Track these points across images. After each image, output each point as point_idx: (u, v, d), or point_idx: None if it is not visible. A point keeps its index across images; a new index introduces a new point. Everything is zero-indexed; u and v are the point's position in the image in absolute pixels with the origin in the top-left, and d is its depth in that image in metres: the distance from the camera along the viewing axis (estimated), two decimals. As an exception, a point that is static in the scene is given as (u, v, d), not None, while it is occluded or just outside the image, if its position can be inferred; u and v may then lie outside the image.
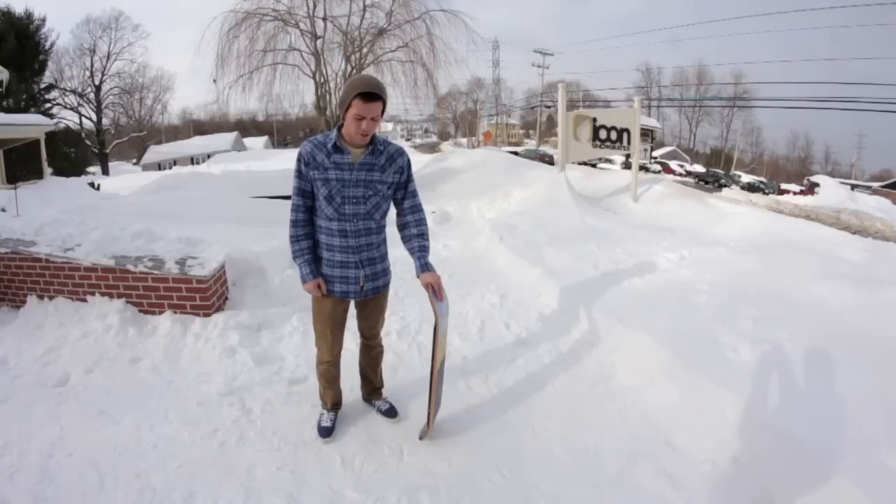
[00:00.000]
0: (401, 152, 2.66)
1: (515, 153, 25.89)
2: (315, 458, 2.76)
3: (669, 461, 2.71)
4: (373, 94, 2.35)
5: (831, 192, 25.77)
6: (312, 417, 3.06)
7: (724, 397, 2.87)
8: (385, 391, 3.22)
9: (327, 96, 14.65)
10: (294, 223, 2.61)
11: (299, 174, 2.55)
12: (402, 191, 2.70)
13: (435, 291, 2.60)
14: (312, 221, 2.64)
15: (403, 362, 3.75)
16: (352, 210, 2.55)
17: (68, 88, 41.14)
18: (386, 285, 2.86)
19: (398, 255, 6.04)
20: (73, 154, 28.22)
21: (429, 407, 2.78)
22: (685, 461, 2.71)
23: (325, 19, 14.29)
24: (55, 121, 27.13)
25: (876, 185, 38.77)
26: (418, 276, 2.63)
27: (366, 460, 2.73)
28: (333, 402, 3.02)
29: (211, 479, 2.60)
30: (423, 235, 2.70)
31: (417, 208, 2.74)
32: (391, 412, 3.08)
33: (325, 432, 2.91)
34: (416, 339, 4.06)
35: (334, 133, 2.51)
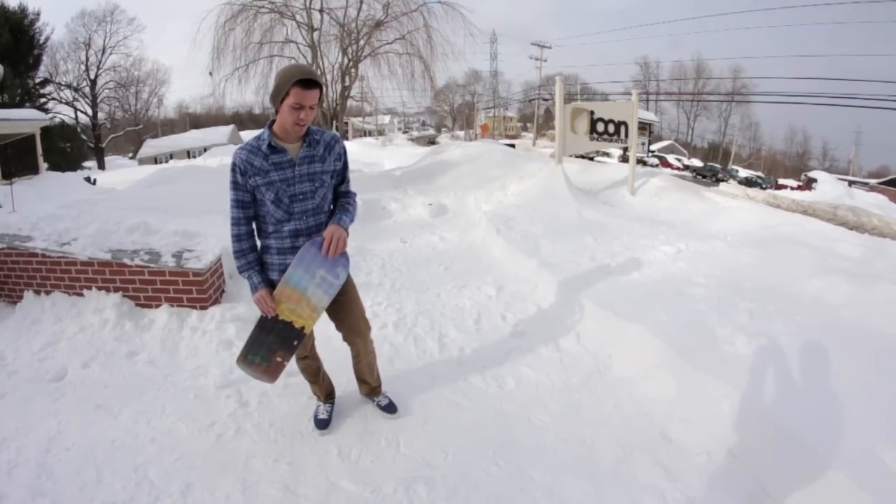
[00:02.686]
0: (336, 139, 2.60)
1: (512, 146, 25.86)
2: (312, 449, 2.77)
3: (665, 453, 2.73)
4: (311, 81, 2.28)
5: (829, 187, 25.83)
6: (309, 409, 3.07)
7: (720, 390, 2.88)
8: (384, 386, 3.16)
9: (324, 89, 14.58)
10: (238, 237, 2.49)
11: (236, 185, 2.42)
12: (340, 178, 2.64)
13: (331, 243, 2.45)
14: (254, 233, 2.55)
15: (400, 354, 3.75)
16: (301, 207, 2.47)
17: (63, 83, 40.96)
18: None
19: (394, 247, 6.05)
20: (68, 149, 28.06)
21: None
22: (681, 453, 2.72)
23: (321, 11, 14.20)
24: (50, 116, 27.04)
25: (873, 181, 38.78)
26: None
27: (362, 451, 2.74)
28: (325, 393, 3.03)
29: (208, 472, 2.61)
30: (349, 205, 2.64)
31: (349, 193, 2.70)
32: (391, 408, 3.05)
33: (322, 424, 2.92)
34: (413, 331, 4.07)
35: (266, 133, 2.41)
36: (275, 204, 2.44)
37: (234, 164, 2.41)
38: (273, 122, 2.43)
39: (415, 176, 11.77)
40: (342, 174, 2.65)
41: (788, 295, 4.08)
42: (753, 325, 3.52)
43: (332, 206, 2.65)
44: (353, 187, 2.76)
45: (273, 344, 2.62)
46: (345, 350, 2.99)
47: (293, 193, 2.45)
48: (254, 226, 2.55)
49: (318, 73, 2.44)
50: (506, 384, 3.40)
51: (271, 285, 2.54)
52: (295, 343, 2.63)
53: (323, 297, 2.57)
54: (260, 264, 2.55)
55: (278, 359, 2.65)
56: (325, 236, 2.46)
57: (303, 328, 2.60)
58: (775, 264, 4.92)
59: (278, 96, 2.31)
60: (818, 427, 2.47)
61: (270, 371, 2.69)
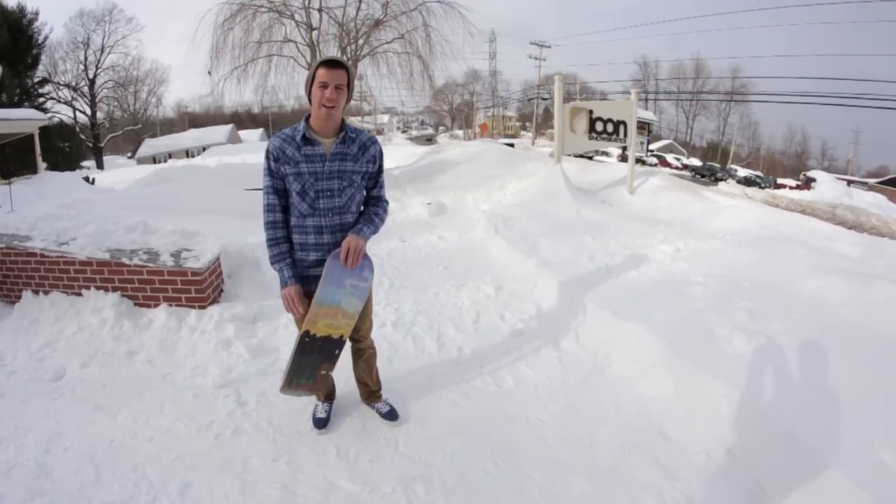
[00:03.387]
0: (373, 140, 2.57)
1: (511, 145, 25.88)
2: (310, 449, 2.77)
3: (663, 452, 2.73)
4: (334, 62, 2.32)
5: (827, 187, 25.92)
6: (307, 409, 3.06)
7: (719, 389, 2.88)
8: (384, 391, 3.11)
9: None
10: (273, 224, 2.47)
11: (270, 172, 2.43)
12: (373, 181, 2.61)
13: (348, 254, 2.43)
14: (288, 222, 2.51)
15: (398, 353, 3.75)
16: (326, 204, 2.45)
17: (62, 82, 40.84)
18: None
19: (392, 247, 6.05)
20: (67, 148, 28.06)
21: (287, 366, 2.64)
22: (679, 452, 2.72)
23: (320, 10, 14.16)
24: (49, 115, 27.04)
25: (872, 181, 38.90)
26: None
27: (361, 451, 2.74)
28: (326, 393, 3.01)
29: (207, 471, 2.61)
30: (376, 216, 2.60)
31: (381, 199, 2.65)
32: (392, 415, 2.99)
33: (320, 423, 2.91)
34: (412, 331, 4.07)
35: (302, 125, 2.42)
36: (300, 196, 2.43)
37: (268, 151, 2.43)
38: (310, 115, 2.43)
39: (414, 175, 11.78)
40: (375, 178, 2.61)
41: (787, 294, 4.08)
42: (752, 324, 3.52)
43: (360, 208, 2.61)
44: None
45: (316, 361, 2.64)
46: (345, 348, 2.99)
47: (319, 189, 2.43)
48: (287, 216, 2.51)
49: (343, 59, 2.43)
50: (504, 383, 3.40)
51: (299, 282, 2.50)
52: (336, 352, 2.66)
53: (357, 303, 2.58)
54: (292, 257, 2.51)
55: (322, 371, 2.70)
56: (342, 247, 2.44)
57: (341, 336, 2.63)
58: (774, 263, 4.92)
59: (308, 84, 2.37)
60: (817, 426, 2.47)
61: (316, 386, 2.75)
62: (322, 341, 2.57)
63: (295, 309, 2.48)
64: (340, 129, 2.45)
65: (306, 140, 2.41)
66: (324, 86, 2.31)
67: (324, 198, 2.44)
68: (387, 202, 2.70)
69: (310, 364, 2.63)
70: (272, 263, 2.51)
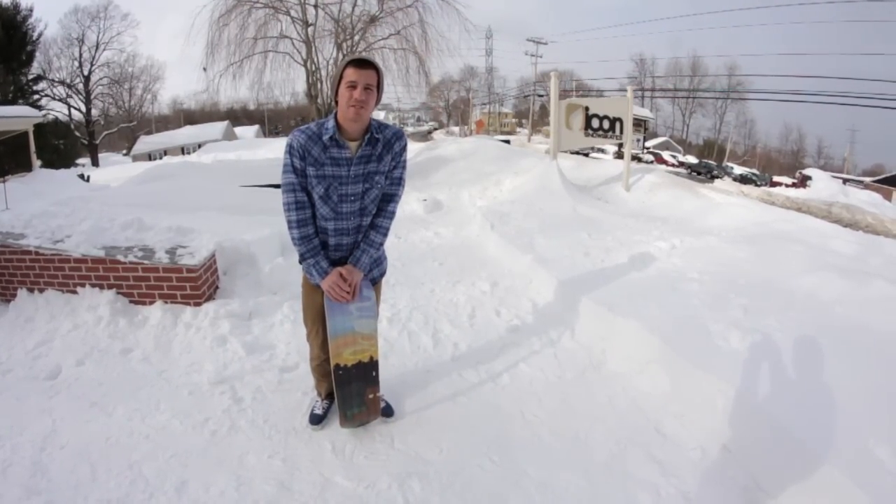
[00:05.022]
0: (398, 135, 2.48)
1: (507, 141, 25.84)
2: (306, 445, 2.77)
3: (659, 448, 2.74)
4: (364, 61, 2.26)
5: (823, 185, 25.97)
6: (303, 405, 3.07)
7: (714, 385, 2.89)
8: (381, 388, 3.11)
9: (318, 84, 14.51)
10: (304, 222, 2.39)
11: (294, 170, 2.33)
12: (388, 176, 2.53)
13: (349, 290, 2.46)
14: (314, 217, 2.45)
15: (394, 350, 3.75)
16: (349, 208, 2.42)
17: (57, 79, 40.49)
18: (381, 275, 2.79)
19: (388, 243, 6.02)
20: (62, 146, 27.98)
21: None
22: (675, 448, 2.73)
23: (316, 6, 14.15)
24: (44, 112, 26.90)
25: (867, 179, 38.98)
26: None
27: (356, 447, 2.74)
28: (328, 392, 3.00)
29: (203, 468, 2.61)
30: (379, 229, 2.54)
31: (392, 198, 2.56)
32: (388, 411, 2.99)
33: (316, 419, 2.91)
34: (407, 327, 4.07)
35: (331, 123, 2.33)
36: (322, 199, 2.38)
37: (290, 147, 2.33)
38: (338, 112, 2.36)
39: (409, 171, 11.70)
40: (391, 172, 2.52)
41: (782, 291, 4.10)
42: (747, 320, 3.53)
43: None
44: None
45: (359, 388, 2.70)
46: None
47: (343, 193, 2.38)
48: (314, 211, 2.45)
49: (373, 58, 2.32)
50: (500, 379, 3.40)
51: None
52: (374, 374, 2.71)
53: (369, 322, 2.62)
54: (325, 247, 2.47)
55: (370, 395, 2.74)
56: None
57: (371, 357, 2.68)
58: (769, 260, 4.94)
59: (335, 85, 2.30)
60: (812, 422, 2.48)
61: (371, 410, 2.80)
62: (355, 369, 2.64)
63: (345, 293, 2.43)
64: (366, 129, 2.38)
65: (334, 141, 2.33)
66: (352, 86, 2.23)
67: (347, 202, 2.41)
68: (398, 197, 2.60)
69: (354, 393, 2.70)
70: (305, 259, 2.46)
